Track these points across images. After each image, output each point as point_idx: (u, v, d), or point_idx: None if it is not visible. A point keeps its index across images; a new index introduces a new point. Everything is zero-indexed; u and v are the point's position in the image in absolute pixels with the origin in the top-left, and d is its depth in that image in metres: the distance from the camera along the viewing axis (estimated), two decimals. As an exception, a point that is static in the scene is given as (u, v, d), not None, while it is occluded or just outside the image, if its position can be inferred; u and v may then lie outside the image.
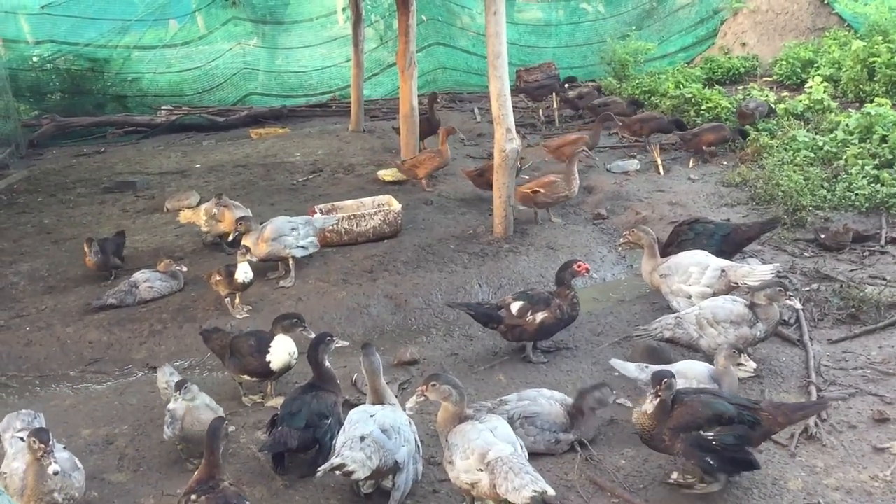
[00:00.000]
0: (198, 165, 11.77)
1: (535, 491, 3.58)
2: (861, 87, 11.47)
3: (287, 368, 5.39)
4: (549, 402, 4.74)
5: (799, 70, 13.13)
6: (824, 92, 10.86)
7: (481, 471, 3.80)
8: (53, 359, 6.52)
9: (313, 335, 5.09)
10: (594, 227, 8.31)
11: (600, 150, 10.58)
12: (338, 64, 16.44)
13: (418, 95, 10.74)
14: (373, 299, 6.90)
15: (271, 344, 5.30)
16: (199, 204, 9.06)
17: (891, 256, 7.01)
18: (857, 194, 8.00)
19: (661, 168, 9.83)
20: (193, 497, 3.75)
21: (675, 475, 4.36)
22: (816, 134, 9.66)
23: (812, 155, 9.11)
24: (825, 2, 14.69)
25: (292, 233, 7.17)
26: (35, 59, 15.20)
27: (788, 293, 5.20)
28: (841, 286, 6.38)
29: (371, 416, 4.25)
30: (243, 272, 6.55)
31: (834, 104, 10.72)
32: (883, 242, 7.24)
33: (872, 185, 8.08)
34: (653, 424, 4.13)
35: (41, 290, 7.61)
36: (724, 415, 4.07)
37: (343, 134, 12.95)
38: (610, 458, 4.61)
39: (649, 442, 4.23)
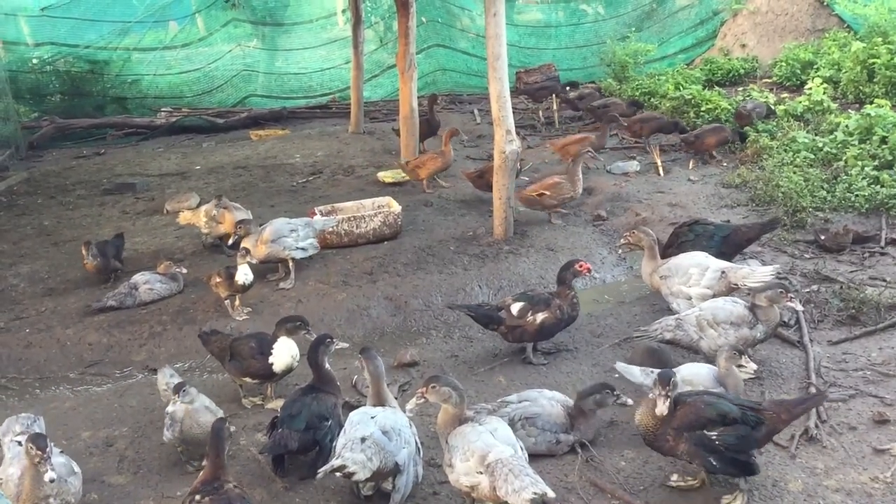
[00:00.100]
0: (198, 167, 11.78)
1: (535, 493, 3.57)
2: (861, 88, 11.48)
3: (289, 370, 5.39)
4: (549, 403, 4.74)
5: (799, 71, 13.14)
6: (824, 93, 10.86)
7: (481, 473, 3.80)
8: (53, 361, 6.52)
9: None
10: (594, 228, 8.30)
11: (601, 152, 10.57)
12: (338, 66, 16.46)
13: (418, 97, 10.74)
14: (373, 301, 6.90)
15: (274, 346, 5.30)
16: (198, 206, 9.05)
17: (891, 258, 7.01)
18: (856, 195, 7.99)
19: (660, 169, 9.83)
20: (198, 497, 3.75)
21: (674, 477, 4.35)
22: (816, 135, 9.66)
23: (812, 156, 9.11)
24: (825, 3, 14.70)
25: (291, 234, 7.17)
26: (35, 60, 15.22)
27: (789, 295, 5.19)
28: (841, 287, 6.38)
29: (372, 418, 4.25)
30: (243, 274, 6.55)
31: (834, 105, 10.72)
32: (883, 244, 7.23)
33: (872, 186, 8.08)
34: (657, 425, 4.10)
35: (41, 292, 7.61)
36: (728, 415, 4.05)
37: (343, 135, 12.95)
38: (610, 459, 4.61)
39: (653, 443, 4.20)
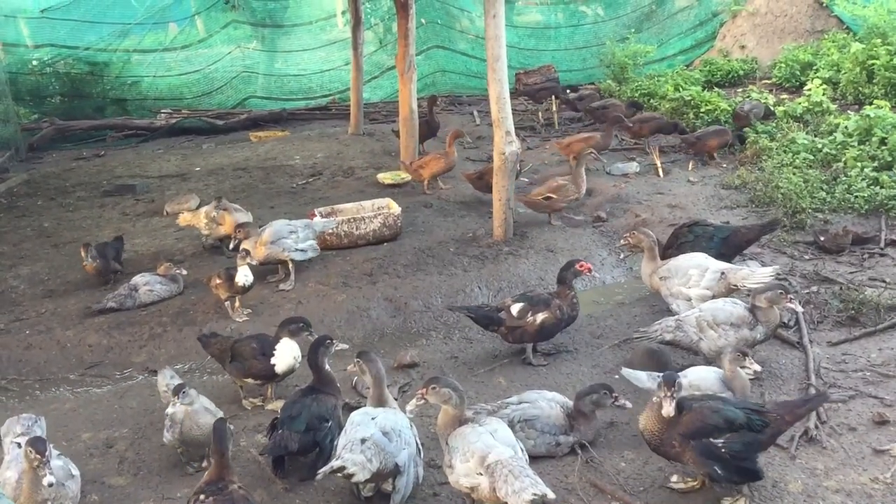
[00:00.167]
0: (197, 169, 11.78)
1: (534, 494, 3.57)
2: (860, 89, 11.49)
3: (290, 371, 5.40)
4: (549, 404, 4.74)
5: (798, 72, 13.15)
6: (823, 94, 10.87)
7: (481, 474, 3.80)
8: (53, 362, 6.51)
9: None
10: (594, 229, 8.30)
11: (603, 153, 10.58)
12: (337, 67, 16.47)
13: (418, 98, 10.74)
14: (372, 302, 6.90)
15: (276, 347, 5.31)
16: (198, 207, 9.05)
17: (890, 259, 7.01)
18: (856, 196, 8.00)
19: (660, 170, 9.84)
20: (202, 498, 3.76)
21: (675, 478, 4.35)
22: (816, 136, 9.66)
23: (811, 157, 9.11)
24: (824, 4, 14.71)
25: (291, 236, 7.18)
26: (35, 62, 15.24)
27: (789, 296, 5.19)
28: (840, 288, 6.38)
29: (373, 419, 4.25)
30: (243, 275, 6.55)
31: (833, 106, 10.73)
32: (882, 245, 7.24)
33: (872, 187, 8.09)
34: (662, 430, 4.07)
35: (41, 293, 7.61)
36: (734, 421, 4.01)
37: (342, 137, 12.95)
38: (610, 460, 4.61)
39: (658, 449, 4.16)
